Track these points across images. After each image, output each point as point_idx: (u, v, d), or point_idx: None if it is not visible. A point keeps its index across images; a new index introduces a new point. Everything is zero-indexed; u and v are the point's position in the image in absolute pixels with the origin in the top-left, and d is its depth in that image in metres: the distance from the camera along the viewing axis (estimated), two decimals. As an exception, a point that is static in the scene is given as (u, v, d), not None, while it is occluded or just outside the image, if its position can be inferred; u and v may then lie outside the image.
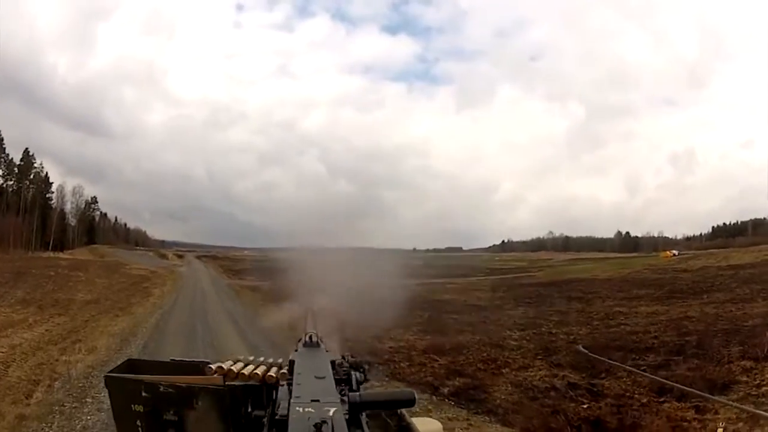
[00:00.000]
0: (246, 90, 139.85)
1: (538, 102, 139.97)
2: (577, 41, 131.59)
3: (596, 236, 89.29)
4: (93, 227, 75.40)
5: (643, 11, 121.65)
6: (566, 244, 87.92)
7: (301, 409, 0.88)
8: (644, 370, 10.11)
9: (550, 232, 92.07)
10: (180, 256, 71.25)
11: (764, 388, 8.86)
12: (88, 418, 6.51)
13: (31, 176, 65.22)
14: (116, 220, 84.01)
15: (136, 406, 1.29)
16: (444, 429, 1.77)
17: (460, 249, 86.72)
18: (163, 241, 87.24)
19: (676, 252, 55.94)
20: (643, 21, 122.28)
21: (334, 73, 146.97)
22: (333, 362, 1.30)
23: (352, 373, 1.30)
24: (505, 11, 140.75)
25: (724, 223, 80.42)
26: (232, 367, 1.33)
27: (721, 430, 7.06)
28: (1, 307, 16.93)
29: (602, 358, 11.05)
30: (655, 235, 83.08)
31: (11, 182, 63.71)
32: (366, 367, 1.35)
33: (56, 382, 8.23)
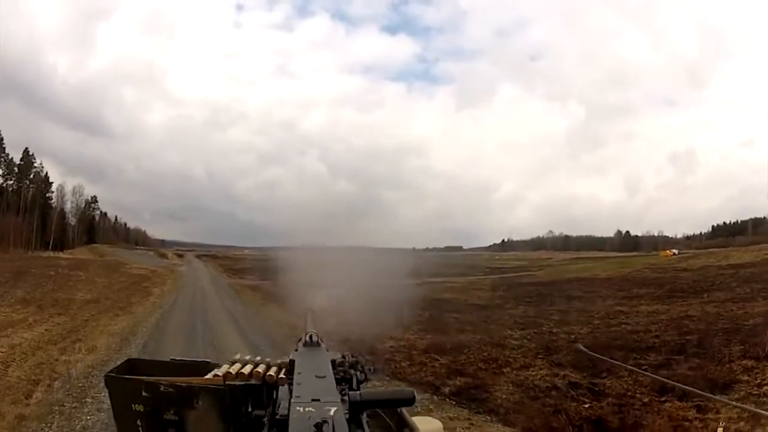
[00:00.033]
0: (246, 90, 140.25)
1: (538, 102, 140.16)
2: (577, 41, 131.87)
3: (596, 235, 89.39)
4: (93, 227, 75.46)
5: (643, 11, 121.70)
6: (566, 243, 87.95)
7: (301, 409, 0.87)
8: (645, 370, 10.10)
9: (550, 231, 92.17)
10: (180, 256, 71.34)
11: (765, 388, 8.84)
12: (88, 418, 6.50)
13: (31, 176, 65.31)
14: (116, 219, 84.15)
15: (136, 405, 1.28)
16: (446, 429, 1.76)
17: (460, 248, 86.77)
18: (163, 241, 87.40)
19: (676, 251, 55.93)
20: (643, 21, 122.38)
21: (334, 73, 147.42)
22: (333, 362, 1.30)
23: (353, 372, 1.29)
24: (505, 11, 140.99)
25: (724, 222, 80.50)
26: (233, 367, 1.33)
27: (721, 429, 7.05)
28: (0, 306, 16.94)
29: (603, 358, 11.03)
30: (655, 234, 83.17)
31: (11, 182, 63.82)
32: (371, 368, 1.34)
33: (56, 382, 8.22)
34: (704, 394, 8.25)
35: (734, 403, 7.93)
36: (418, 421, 1.49)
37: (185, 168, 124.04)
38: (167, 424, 1.26)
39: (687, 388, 8.53)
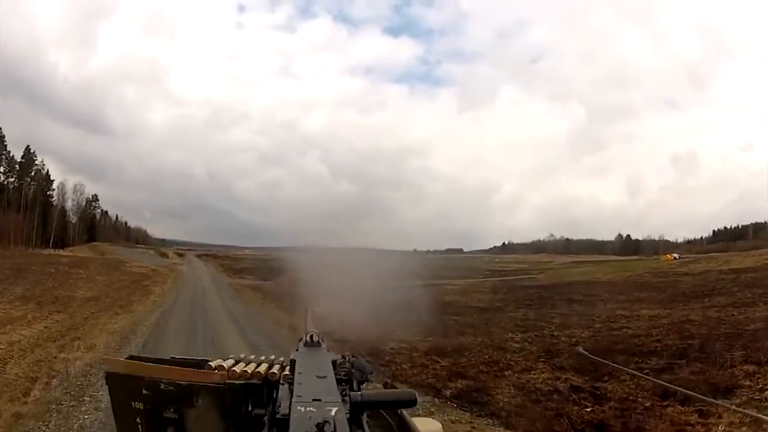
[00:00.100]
0: (248, 90, 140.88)
1: (539, 103, 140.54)
2: (577, 42, 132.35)
3: (597, 238, 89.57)
4: (94, 225, 75.72)
5: (644, 12, 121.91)
6: (567, 246, 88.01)
7: (302, 409, 0.85)
8: (647, 374, 10.06)
9: (551, 235, 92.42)
10: (180, 255, 71.58)
11: (767, 393, 8.81)
12: (86, 417, 6.46)
13: (32, 173, 65.59)
14: (117, 218, 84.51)
15: (136, 403, 1.27)
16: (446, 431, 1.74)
17: (460, 250, 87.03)
18: (163, 240, 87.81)
19: (676, 256, 55.97)
20: (644, 22, 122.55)
21: (336, 74, 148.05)
22: (334, 362, 1.28)
23: (354, 372, 1.28)
24: (505, 13, 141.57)
25: (725, 227, 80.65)
26: (233, 366, 1.32)
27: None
28: (0, 303, 16.94)
29: (605, 361, 10.99)
30: (656, 238, 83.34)
31: (12, 179, 64.09)
32: (371, 373, 1.32)
33: (54, 380, 8.18)
34: (706, 398, 8.21)
35: (736, 407, 7.90)
36: (418, 422, 1.48)
37: (186, 167, 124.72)
38: (167, 423, 1.25)
39: (689, 392, 8.49)
